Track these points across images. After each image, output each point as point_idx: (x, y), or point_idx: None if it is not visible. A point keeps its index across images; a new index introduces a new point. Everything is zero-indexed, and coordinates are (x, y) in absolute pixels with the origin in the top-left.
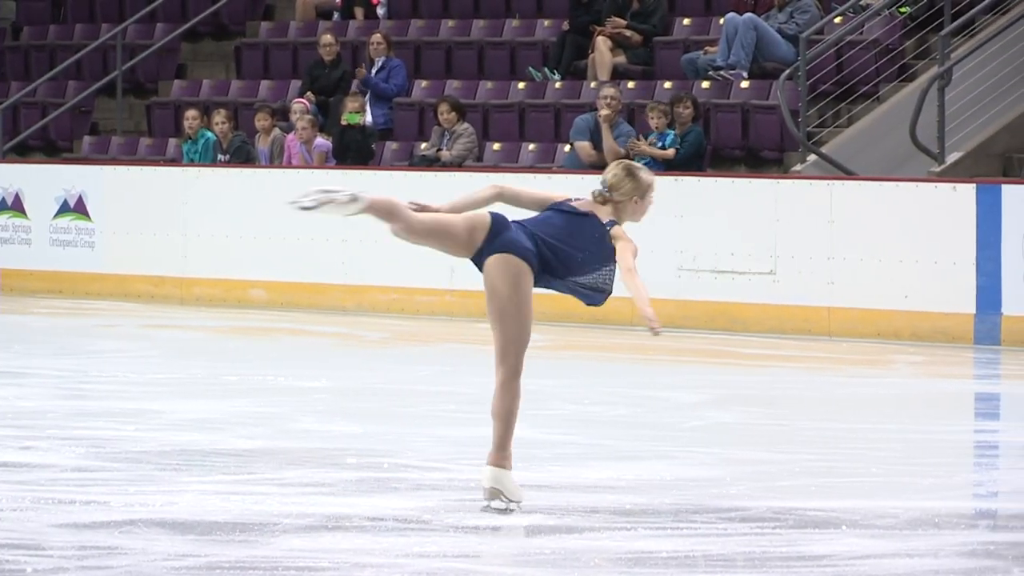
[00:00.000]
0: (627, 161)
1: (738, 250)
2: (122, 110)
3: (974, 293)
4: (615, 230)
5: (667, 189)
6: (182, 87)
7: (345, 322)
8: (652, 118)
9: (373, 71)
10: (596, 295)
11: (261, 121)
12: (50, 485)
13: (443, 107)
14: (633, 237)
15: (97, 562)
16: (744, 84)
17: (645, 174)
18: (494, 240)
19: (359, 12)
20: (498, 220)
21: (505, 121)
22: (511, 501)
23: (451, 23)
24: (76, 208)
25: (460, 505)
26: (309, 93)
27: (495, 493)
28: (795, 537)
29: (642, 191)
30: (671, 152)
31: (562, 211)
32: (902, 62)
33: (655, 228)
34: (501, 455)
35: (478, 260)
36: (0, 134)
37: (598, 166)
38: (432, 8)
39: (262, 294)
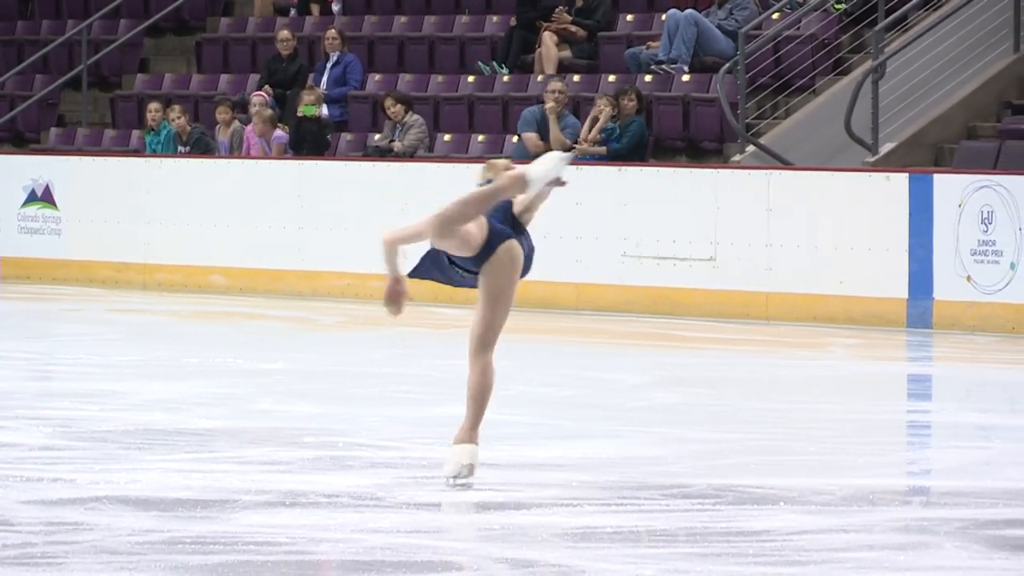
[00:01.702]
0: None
1: (680, 237)
2: (87, 103)
3: (907, 278)
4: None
5: (611, 179)
6: (145, 81)
7: (301, 307)
8: (600, 107)
9: (328, 65)
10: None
11: (222, 114)
12: (18, 463)
13: (388, 101)
14: (579, 225)
15: (64, 537)
16: (685, 78)
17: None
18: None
19: (315, 8)
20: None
21: (455, 113)
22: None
23: (403, 19)
24: (43, 197)
25: (413, 482)
26: (267, 86)
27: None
28: (735, 513)
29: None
30: (602, 149)
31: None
32: (837, 56)
33: (600, 216)
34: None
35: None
36: None
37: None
38: (385, 4)
39: (221, 280)
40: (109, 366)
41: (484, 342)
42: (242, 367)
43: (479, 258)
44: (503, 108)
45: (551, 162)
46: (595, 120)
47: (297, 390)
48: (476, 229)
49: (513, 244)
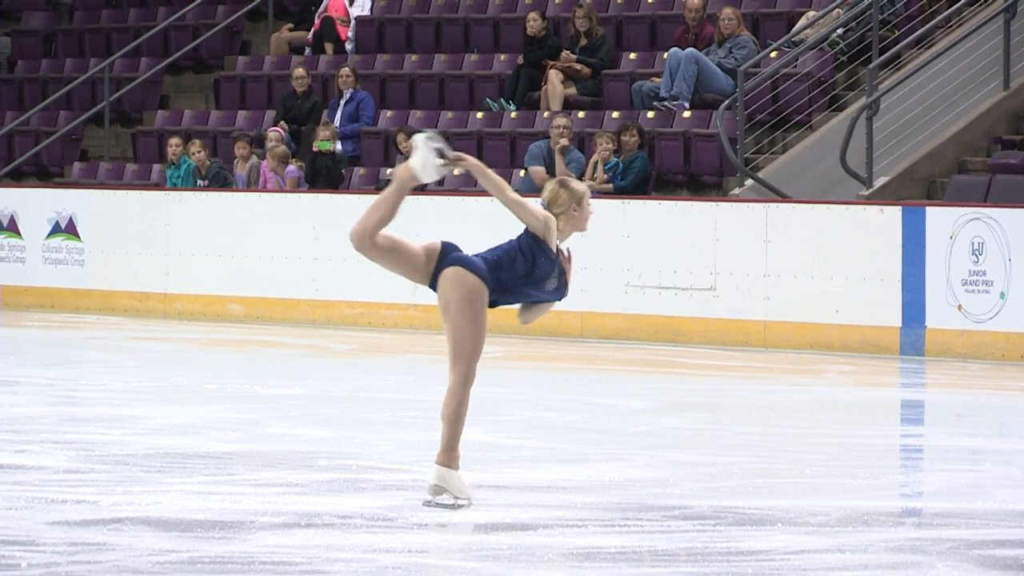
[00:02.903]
0: (560, 178)
1: (680, 268)
2: (109, 138)
3: (900, 307)
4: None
5: (614, 212)
6: (165, 117)
7: (315, 335)
8: (600, 144)
9: (342, 102)
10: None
11: (240, 149)
12: (43, 486)
13: (401, 136)
14: (585, 257)
15: (87, 557)
16: (686, 114)
17: (576, 184)
18: (444, 259)
19: (329, 47)
20: (448, 245)
21: (464, 148)
22: (458, 498)
23: (414, 57)
24: (67, 229)
25: (423, 504)
26: (283, 122)
27: (438, 490)
28: (734, 534)
29: (577, 199)
30: (609, 186)
31: (520, 251)
32: (833, 93)
33: (604, 247)
34: (448, 455)
35: (433, 283)
36: None
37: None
38: (396, 43)
39: (239, 309)
40: (130, 392)
41: (449, 366)
42: (258, 393)
43: (431, 286)
44: (511, 143)
45: (419, 147)
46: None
47: (311, 415)
48: (423, 252)
49: (454, 271)
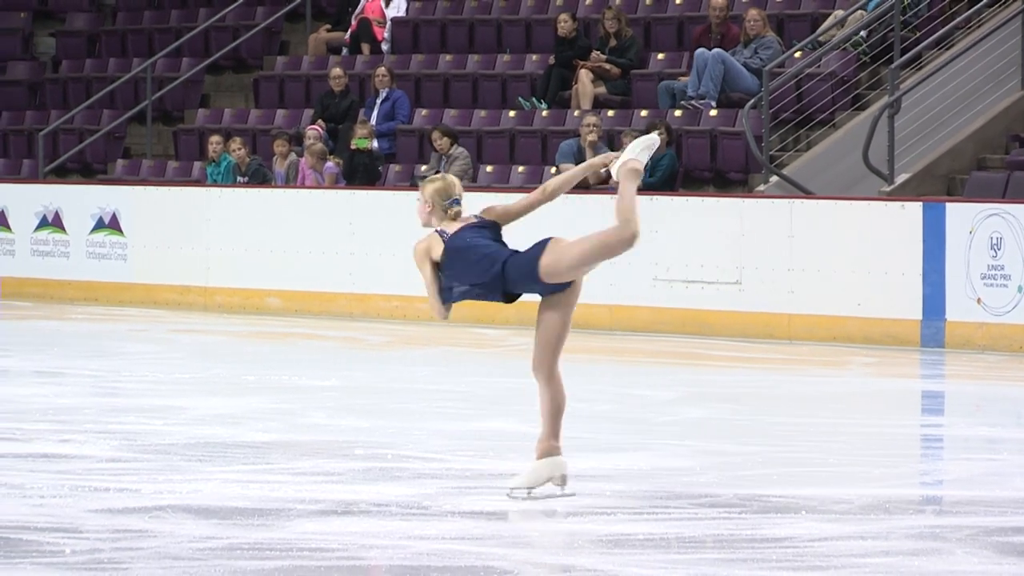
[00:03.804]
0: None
1: (707, 262)
2: (151, 136)
3: (920, 301)
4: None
5: (642, 207)
6: (206, 115)
7: (352, 327)
8: (626, 142)
9: (378, 101)
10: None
11: (280, 147)
12: (86, 474)
13: (435, 134)
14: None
15: (129, 544)
16: (713, 113)
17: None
18: None
19: (365, 47)
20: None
21: (497, 146)
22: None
23: (448, 57)
24: (110, 224)
25: (456, 492)
26: (320, 120)
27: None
28: (759, 521)
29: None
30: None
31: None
32: (856, 92)
33: None
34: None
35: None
36: (41, 157)
37: (580, 186)
38: (431, 44)
39: (277, 302)
40: (171, 383)
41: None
42: (296, 384)
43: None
44: (542, 141)
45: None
46: None
47: (348, 405)
48: None
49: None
